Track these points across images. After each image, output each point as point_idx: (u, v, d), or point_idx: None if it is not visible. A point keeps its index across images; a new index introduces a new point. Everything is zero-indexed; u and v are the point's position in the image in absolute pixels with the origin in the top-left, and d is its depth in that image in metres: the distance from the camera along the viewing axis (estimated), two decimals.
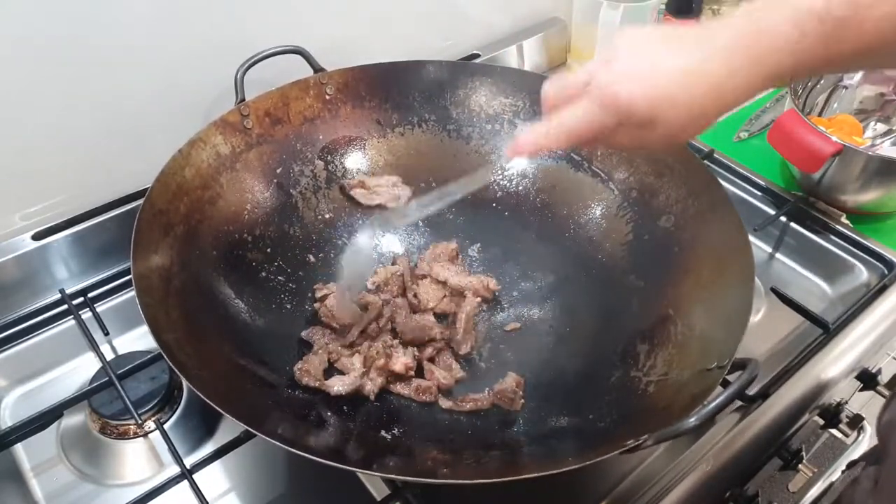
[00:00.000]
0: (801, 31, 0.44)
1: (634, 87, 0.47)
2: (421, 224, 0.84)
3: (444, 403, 0.67)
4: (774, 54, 0.45)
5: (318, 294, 0.75)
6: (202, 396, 0.51)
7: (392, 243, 0.84)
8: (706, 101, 0.46)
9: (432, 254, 0.80)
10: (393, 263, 0.80)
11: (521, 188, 0.85)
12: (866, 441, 0.77)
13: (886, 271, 0.81)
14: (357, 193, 0.83)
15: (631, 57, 0.48)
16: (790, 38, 0.44)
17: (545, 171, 0.84)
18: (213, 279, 0.69)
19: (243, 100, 0.76)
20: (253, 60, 0.76)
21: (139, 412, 0.67)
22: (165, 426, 0.67)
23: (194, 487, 0.60)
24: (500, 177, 0.86)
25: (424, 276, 0.78)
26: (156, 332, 0.55)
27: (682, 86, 0.46)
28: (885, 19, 0.43)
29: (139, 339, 0.77)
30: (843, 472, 0.74)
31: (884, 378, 0.80)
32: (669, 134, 0.48)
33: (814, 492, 0.73)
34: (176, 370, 0.52)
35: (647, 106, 0.47)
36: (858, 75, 0.96)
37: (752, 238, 0.65)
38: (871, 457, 0.65)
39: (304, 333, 0.71)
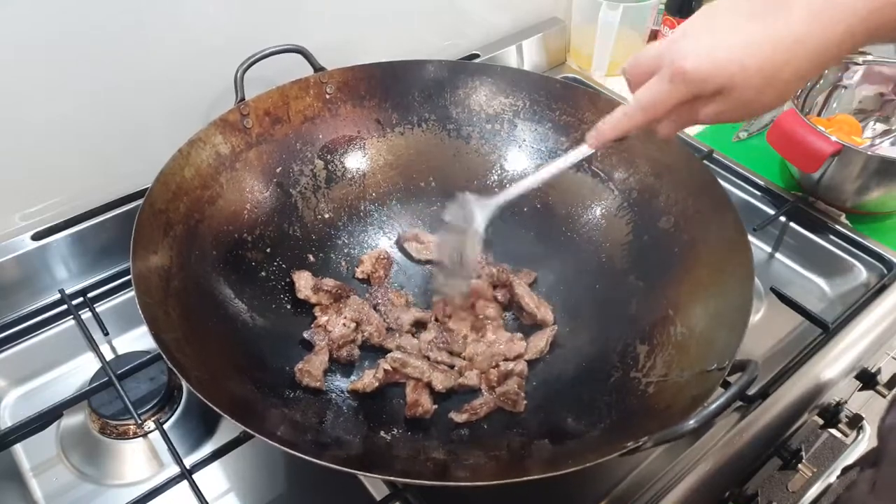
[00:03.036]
0: None
1: (701, 56, 0.47)
2: (419, 222, 0.85)
3: (459, 417, 0.65)
4: (847, 15, 0.45)
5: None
6: (201, 397, 0.50)
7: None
8: (776, 61, 0.46)
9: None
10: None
11: None
12: (865, 441, 0.77)
13: (886, 271, 0.82)
14: (410, 247, 0.83)
15: (698, 31, 0.49)
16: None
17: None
18: (212, 279, 0.69)
19: (243, 99, 0.76)
20: (253, 59, 0.75)
21: (139, 412, 0.67)
22: (165, 426, 0.67)
23: (194, 487, 0.60)
24: (500, 177, 0.86)
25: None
26: (155, 332, 0.54)
27: (748, 48, 0.47)
28: None
29: (139, 339, 0.77)
30: (838, 476, 0.74)
31: (883, 378, 0.81)
32: (747, 99, 0.48)
33: (813, 491, 0.73)
34: (175, 370, 0.52)
35: (716, 72, 0.47)
36: (858, 75, 0.96)
37: (751, 238, 0.65)
38: (867, 460, 0.66)
39: (305, 333, 0.71)
